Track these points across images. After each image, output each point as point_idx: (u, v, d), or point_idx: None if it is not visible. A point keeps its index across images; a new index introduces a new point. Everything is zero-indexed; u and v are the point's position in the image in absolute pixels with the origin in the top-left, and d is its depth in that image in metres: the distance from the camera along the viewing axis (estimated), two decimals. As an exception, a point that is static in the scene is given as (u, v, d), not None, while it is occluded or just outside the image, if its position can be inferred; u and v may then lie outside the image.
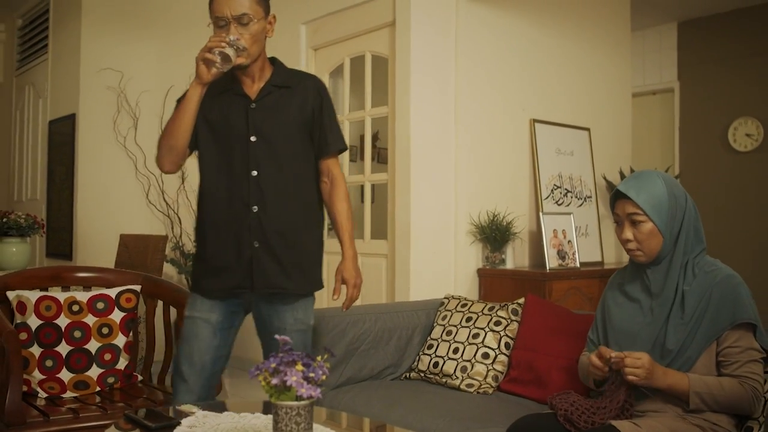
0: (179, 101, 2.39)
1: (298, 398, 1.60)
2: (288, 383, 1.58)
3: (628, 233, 2.16)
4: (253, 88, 2.40)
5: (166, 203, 5.39)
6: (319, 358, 1.68)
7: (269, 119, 2.37)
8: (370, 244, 4.44)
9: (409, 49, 4.07)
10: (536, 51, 4.71)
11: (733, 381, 2.01)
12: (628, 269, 2.32)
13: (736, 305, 2.05)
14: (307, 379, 1.61)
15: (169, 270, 5.20)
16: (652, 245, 2.14)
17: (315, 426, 1.75)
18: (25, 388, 2.68)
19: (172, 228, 5.40)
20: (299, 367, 1.61)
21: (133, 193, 5.39)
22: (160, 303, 3.15)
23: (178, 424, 1.88)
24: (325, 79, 4.80)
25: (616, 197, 2.21)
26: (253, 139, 2.35)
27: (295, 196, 2.42)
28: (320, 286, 2.52)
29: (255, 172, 2.34)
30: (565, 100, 4.90)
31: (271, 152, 2.37)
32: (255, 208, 2.34)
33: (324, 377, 1.65)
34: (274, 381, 1.60)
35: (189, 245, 5.23)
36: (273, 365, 1.62)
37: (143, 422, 1.96)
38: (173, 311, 3.09)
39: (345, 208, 2.50)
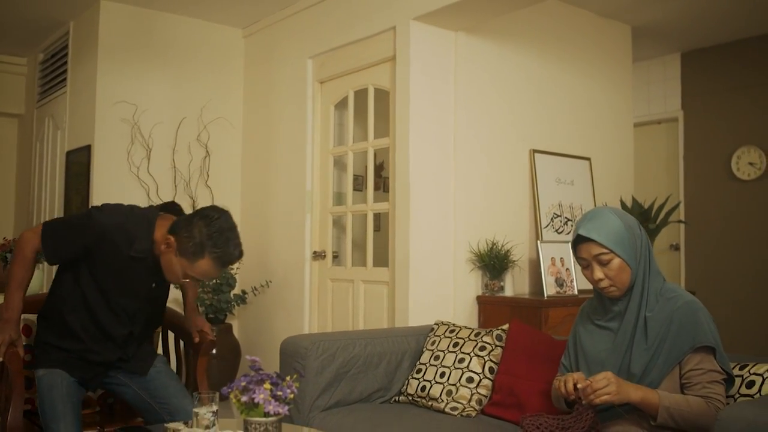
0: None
1: (266, 415, 1.71)
2: (256, 400, 1.70)
3: (599, 273, 2.24)
4: None
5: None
6: (288, 377, 1.79)
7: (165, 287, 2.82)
8: (372, 272, 4.54)
9: (408, 82, 4.20)
10: (535, 82, 4.82)
11: (699, 399, 2.09)
12: (595, 298, 2.40)
13: (696, 330, 2.13)
14: (275, 397, 1.73)
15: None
16: (624, 279, 2.23)
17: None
18: (28, 407, 2.82)
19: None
20: (267, 386, 1.72)
21: (146, 221, 5.51)
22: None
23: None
24: (331, 111, 4.96)
25: (578, 242, 2.28)
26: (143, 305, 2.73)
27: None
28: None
29: (132, 325, 2.73)
30: (566, 131, 4.99)
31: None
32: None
33: (291, 396, 1.76)
34: (244, 398, 1.71)
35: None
36: (243, 384, 1.74)
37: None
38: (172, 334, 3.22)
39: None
